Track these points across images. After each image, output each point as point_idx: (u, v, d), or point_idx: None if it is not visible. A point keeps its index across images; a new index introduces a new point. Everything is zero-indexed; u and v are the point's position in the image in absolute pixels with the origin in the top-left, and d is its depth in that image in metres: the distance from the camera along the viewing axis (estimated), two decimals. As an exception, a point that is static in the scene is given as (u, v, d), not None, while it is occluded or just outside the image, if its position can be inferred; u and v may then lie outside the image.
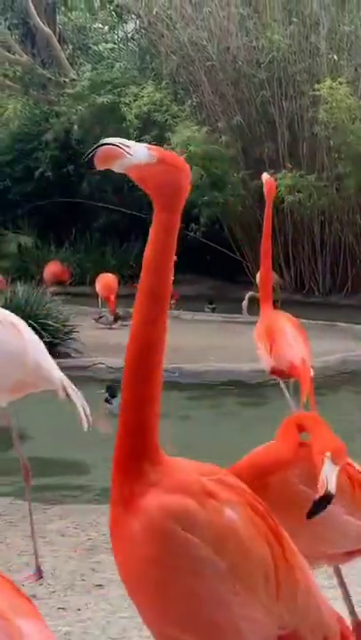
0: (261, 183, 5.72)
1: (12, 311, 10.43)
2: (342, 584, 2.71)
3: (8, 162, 18.95)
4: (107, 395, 8.19)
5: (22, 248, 18.44)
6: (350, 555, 2.61)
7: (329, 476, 2.29)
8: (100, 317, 12.35)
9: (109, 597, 3.65)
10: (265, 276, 5.72)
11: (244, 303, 13.08)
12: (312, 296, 16.38)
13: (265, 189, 5.69)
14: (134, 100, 16.10)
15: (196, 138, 15.23)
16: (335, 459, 2.33)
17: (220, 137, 15.74)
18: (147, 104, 15.95)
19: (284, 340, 5.00)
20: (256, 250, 17.13)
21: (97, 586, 3.78)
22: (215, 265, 15.82)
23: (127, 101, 16.17)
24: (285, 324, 5.12)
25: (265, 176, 5.94)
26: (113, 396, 7.96)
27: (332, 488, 2.26)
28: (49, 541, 4.35)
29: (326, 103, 14.38)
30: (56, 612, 3.52)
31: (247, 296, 13.02)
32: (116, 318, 12.02)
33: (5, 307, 9.94)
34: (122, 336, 12.09)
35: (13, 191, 18.92)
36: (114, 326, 11.71)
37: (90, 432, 7.32)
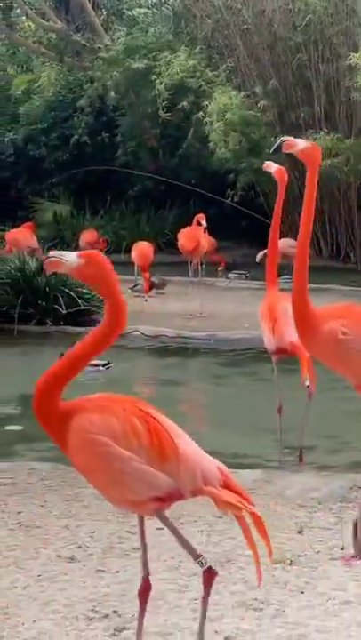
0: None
1: (49, 279, 10.61)
2: (175, 530, 2.81)
3: (43, 130, 18.96)
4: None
5: (58, 216, 18.49)
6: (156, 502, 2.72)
7: None
8: (136, 286, 12.38)
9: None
10: (272, 258, 5.90)
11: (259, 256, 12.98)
12: (349, 262, 16.26)
13: (276, 177, 5.92)
14: (167, 68, 15.96)
15: (233, 104, 15.09)
16: None
17: (258, 102, 15.58)
18: (179, 73, 15.81)
19: (285, 320, 5.15)
20: (292, 216, 17.11)
21: (135, 549, 3.84)
22: (250, 232, 15.73)
23: (159, 70, 16.02)
24: (287, 304, 4.97)
25: (271, 165, 6.07)
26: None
27: None
28: (87, 505, 4.42)
29: (361, 70, 14.17)
30: (95, 574, 3.59)
31: (261, 254, 12.99)
32: (151, 286, 12.02)
33: (42, 276, 10.10)
34: (157, 304, 12.19)
35: (49, 160, 18.95)
36: (150, 294, 11.73)
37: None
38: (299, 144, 4.02)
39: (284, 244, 14.08)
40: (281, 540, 3.95)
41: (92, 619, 3.21)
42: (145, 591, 2.79)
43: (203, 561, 2.75)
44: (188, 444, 2.80)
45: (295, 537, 3.98)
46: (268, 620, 3.20)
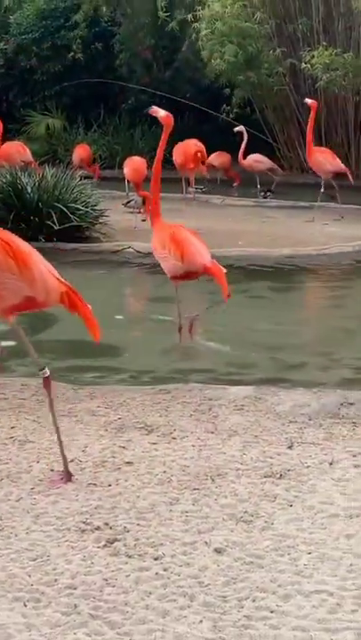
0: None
1: (41, 195, 10.46)
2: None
3: (34, 40, 18.44)
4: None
5: (51, 130, 18.16)
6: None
7: None
8: (129, 202, 12.24)
9: (139, 474, 3.77)
10: (155, 194, 6.52)
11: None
12: (345, 179, 16.06)
13: (163, 122, 6.40)
14: None
15: (227, 13, 14.68)
16: None
17: (255, 14, 15.16)
18: None
19: (193, 247, 5.94)
20: (288, 132, 16.83)
21: (127, 463, 3.89)
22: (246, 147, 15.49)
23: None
24: (187, 232, 6.06)
25: (157, 110, 6.45)
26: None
27: None
28: (79, 420, 4.46)
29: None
30: (87, 487, 3.64)
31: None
32: (144, 202, 11.85)
33: (34, 190, 9.96)
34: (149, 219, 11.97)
35: (40, 71, 18.50)
36: (142, 210, 11.59)
37: (123, 315, 7.39)
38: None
39: (251, 159, 14.02)
40: (271, 454, 4.00)
41: (83, 531, 3.26)
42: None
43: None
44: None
45: (285, 452, 4.03)
46: (257, 532, 3.27)
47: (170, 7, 16.05)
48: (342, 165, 11.99)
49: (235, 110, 15.83)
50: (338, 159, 12.03)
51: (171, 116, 6.43)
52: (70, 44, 17.94)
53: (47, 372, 3.78)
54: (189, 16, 15.30)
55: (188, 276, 6.04)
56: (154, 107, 6.58)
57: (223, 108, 16.02)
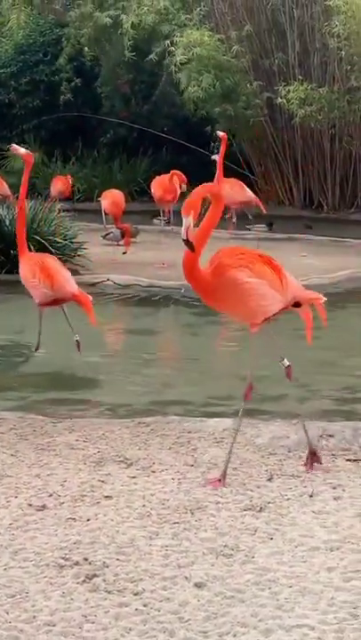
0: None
1: (19, 227, 10.37)
2: None
3: (12, 74, 18.56)
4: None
5: (29, 164, 18.20)
6: None
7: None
8: (108, 234, 12.27)
9: (118, 508, 3.74)
10: (20, 229, 7.07)
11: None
12: (321, 211, 16.25)
13: (24, 160, 6.98)
14: (137, 7, 15.75)
15: (205, 42, 14.87)
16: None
17: (231, 48, 15.36)
18: (148, 12, 15.58)
19: (61, 276, 6.36)
20: (264, 165, 16.99)
21: (106, 497, 3.86)
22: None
23: (128, 12, 15.84)
24: (55, 262, 6.58)
25: (17, 148, 7.09)
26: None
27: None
28: (58, 454, 4.43)
29: (341, 14, 13.97)
30: (65, 522, 3.61)
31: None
32: (123, 234, 11.90)
33: (13, 224, 9.95)
34: (129, 253, 12.08)
35: (19, 105, 18.60)
36: (121, 243, 11.64)
37: (101, 347, 7.38)
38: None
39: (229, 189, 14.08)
40: (251, 487, 3.99)
41: (62, 566, 3.23)
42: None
43: None
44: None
45: (265, 484, 4.02)
46: (237, 566, 3.24)
47: (149, 40, 16.23)
48: (252, 196, 12.17)
49: (217, 144, 15.99)
50: (247, 190, 12.17)
51: (31, 154, 6.98)
52: (49, 78, 18.08)
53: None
54: (167, 42, 15.47)
55: (56, 302, 6.41)
56: (14, 145, 7.08)
57: (212, 145, 16.22)
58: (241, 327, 8.29)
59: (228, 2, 16.05)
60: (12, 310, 8.40)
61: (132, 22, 15.67)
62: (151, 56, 15.74)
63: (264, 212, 12.52)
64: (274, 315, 4.23)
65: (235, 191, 11.85)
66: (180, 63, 14.97)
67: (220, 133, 11.69)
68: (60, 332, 6.44)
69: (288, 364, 4.24)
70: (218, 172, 11.49)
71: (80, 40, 17.30)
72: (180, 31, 15.34)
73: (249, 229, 13.77)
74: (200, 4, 15.98)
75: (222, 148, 11.38)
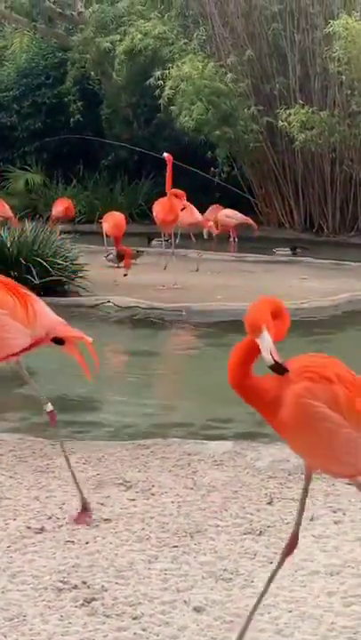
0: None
1: (21, 249, 10.51)
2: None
3: (15, 97, 18.69)
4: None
5: (30, 185, 18.31)
6: None
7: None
8: (109, 255, 12.30)
9: (117, 531, 3.72)
10: None
11: (205, 231, 13.46)
12: (321, 235, 16.29)
13: None
14: (136, 30, 15.97)
15: (195, 75, 15.06)
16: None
17: (226, 73, 15.50)
18: (144, 39, 15.78)
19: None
20: (265, 188, 17.06)
21: (105, 520, 3.84)
22: (223, 204, 15.66)
23: (127, 39, 16.09)
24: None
25: None
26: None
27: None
28: (57, 476, 4.41)
29: (341, 39, 14.10)
30: (64, 545, 3.59)
31: (208, 226, 13.48)
32: (122, 257, 11.91)
33: (14, 245, 10.00)
34: (130, 275, 12.09)
35: (21, 127, 18.71)
36: (121, 265, 11.65)
37: (102, 369, 7.35)
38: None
39: (222, 214, 14.17)
40: (251, 510, 3.97)
41: (61, 590, 3.21)
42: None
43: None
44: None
45: (265, 508, 4.00)
46: (237, 591, 3.22)
47: (151, 64, 16.38)
48: (200, 217, 12.36)
49: (225, 169, 16.15)
50: (196, 212, 12.32)
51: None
52: (51, 101, 18.21)
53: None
54: (158, 74, 15.64)
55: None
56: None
57: (212, 170, 16.31)
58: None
59: (230, 27, 16.19)
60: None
61: (124, 48, 15.91)
62: (150, 81, 15.89)
63: (214, 234, 13.15)
64: (23, 350, 3.71)
65: (185, 213, 12.01)
66: (168, 98, 15.22)
67: (166, 154, 11.79)
68: (58, 351, 6.43)
69: (50, 409, 3.84)
70: (168, 193, 11.58)
71: (84, 64, 17.51)
72: (180, 56, 15.51)
73: (274, 252, 13.86)
74: (200, 29, 16.12)
75: (169, 168, 11.52)
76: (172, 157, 11.73)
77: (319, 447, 2.67)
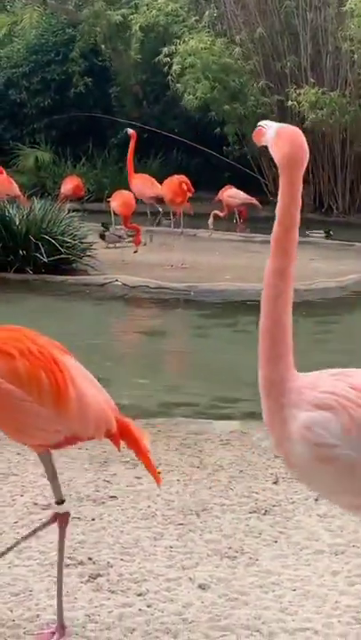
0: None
1: (30, 227, 10.50)
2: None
3: (24, 74, 18.60)
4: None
5: (39, 163, 18.26)
6: None
7: None
8: (104, 236, 12.30)
9: (123, 508, 3.74)
10: None
11: (210, 221, 13.51)
12: (331, 215, 16.23)
13: None
14: (147, 9, 15.87)
15: (205, 47, 14.95)
16: None
17: (233, 50, 15.40)
18: (158, 15, 15.68)
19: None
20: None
21: (111, 497, 3.86)
22: (233, 183, 15.61)
23: (138, 12, 16.00)
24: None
25: None
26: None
27: None
28: (64, 453, 4.42)
29: (356, 16, 13.96)
30: (70, 522, 3.60)
31: (212, 214, 13.58)
32: (121, 237, 12.03)
33: (23, 223, 9.99)
34: (138, 254, 12.08)
35: (30, 104, 18.64)
36: (119, 244, 11.66)
37: (110, 348, 7.36)
38: None
39: (225, 194, 14.09)
40: (256, 489, 3.98)
41: (67, 565, 3.23)
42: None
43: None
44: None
45: (270, 487, 4.02)
46: (241, 569, 3.24)
47: (161, 41, 16.28)
48: (160, 191, 12.22)
49: (232, 148, 16.08)
50: (157, 185, 12.26)
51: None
52: (60, 77, 18.11)
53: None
54: (165, 49, 15.54)
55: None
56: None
57: (225, 149, 16.24)
58: (248, 329, 8.30)
59: (241, 4, 16.06)
60: (23, 310, 8.39)
61: (141, 25, 15.78)
62: (159, 57, 15.79)
63: (260, 207, 13.25)
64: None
65: (145, 186, 12.07)
66: (176, 73, 15.13)
67: (130, 131, 11.96)
68: (69, 333, 6.45)
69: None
70: (129, 167, 11.68)
71: (95, 38, 17.39)
72: (190, 33, 15.41)
73: (307, 235, 13.77)
74: (211, 7, 16.01)
75: (131, 145, 11.67)
76: (135, 133, 12.26)
77: (7, 421, 2.72)
